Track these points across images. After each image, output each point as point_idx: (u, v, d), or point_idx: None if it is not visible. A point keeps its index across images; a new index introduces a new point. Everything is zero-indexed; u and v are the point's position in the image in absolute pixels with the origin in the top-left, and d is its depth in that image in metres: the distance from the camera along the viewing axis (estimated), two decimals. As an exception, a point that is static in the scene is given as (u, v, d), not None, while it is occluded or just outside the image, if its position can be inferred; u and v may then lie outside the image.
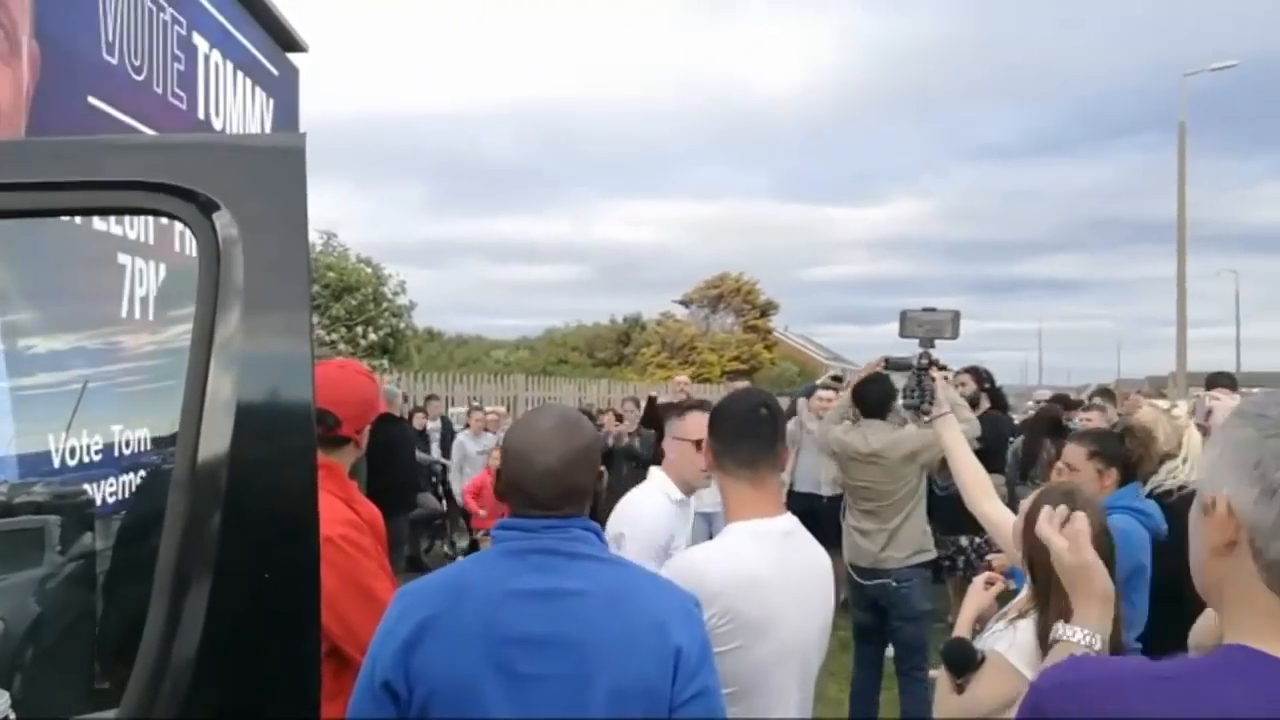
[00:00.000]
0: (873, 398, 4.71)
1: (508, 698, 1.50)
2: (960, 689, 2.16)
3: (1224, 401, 4.33)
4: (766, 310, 36.40)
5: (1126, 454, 3.31)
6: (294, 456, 1.28)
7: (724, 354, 32.53)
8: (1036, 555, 2.09)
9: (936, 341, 2.88)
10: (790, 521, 2.14)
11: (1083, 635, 1.56)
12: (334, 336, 17.86)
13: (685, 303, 36.92)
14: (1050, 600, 2.06)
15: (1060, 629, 1.59)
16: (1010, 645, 2.11)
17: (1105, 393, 7.30)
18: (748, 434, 2.14)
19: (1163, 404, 4.59)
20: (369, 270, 19.66)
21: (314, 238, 19.74)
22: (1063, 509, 1.68)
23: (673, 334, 34.18)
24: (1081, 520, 1.65)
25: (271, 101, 4.79)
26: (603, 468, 8.94)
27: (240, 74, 4.38)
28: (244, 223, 1.26)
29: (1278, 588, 0.95)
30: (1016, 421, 7.93)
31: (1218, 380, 6.01)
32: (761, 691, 2.01)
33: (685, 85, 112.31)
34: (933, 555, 4.78)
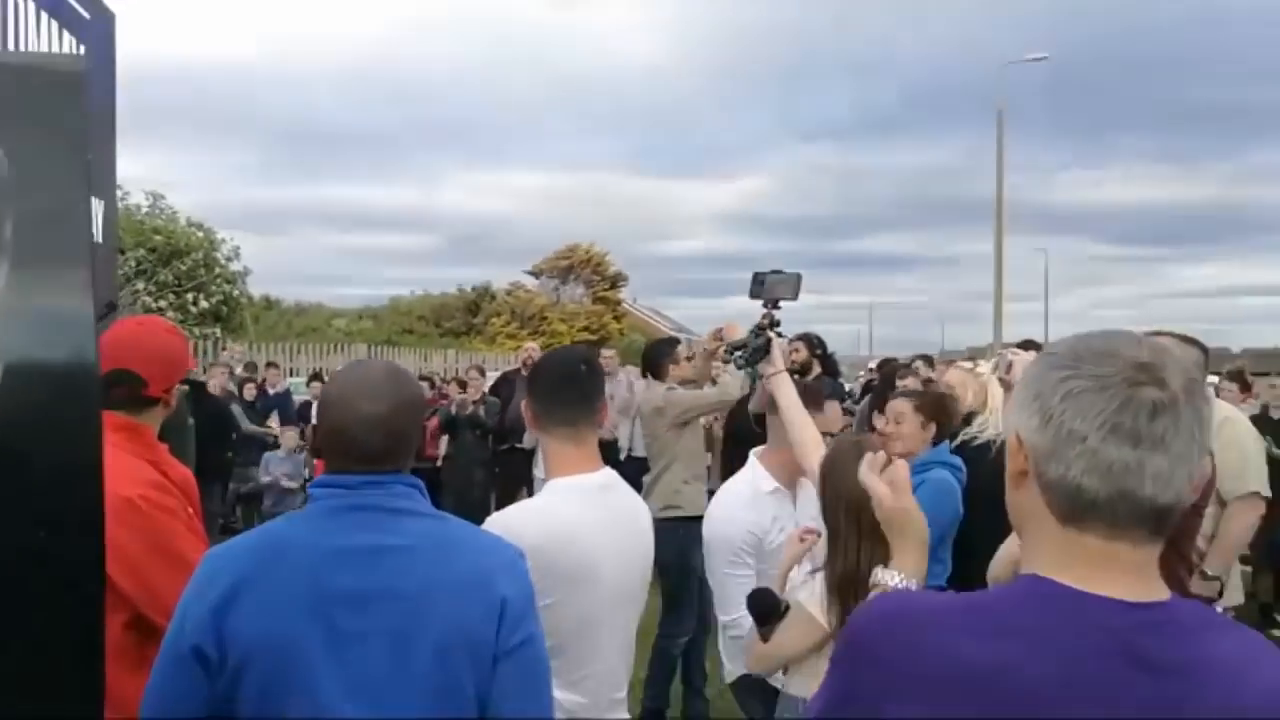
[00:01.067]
0: (648, 358, 5.36)
1: (330, 656, 1.46)
2: (765, 638, 2.26)
3: (1022, 356, 4.67)
4: (616, 282, 36.62)
5: (946, 410, 3.55)
6: (73, 418, 1.20)
7: (574, 324, 32.57)
8: (830, 505, 2.21)
9: (781, 303, 2.98)
10: (608, 476, 2.18)
11: (899, 579, 1.58)
12: (162, 303, 16.87)
13: (535, 273, 36.70)
14: (840, 549, 2.19)
15: (879, 573, 1.62)
16: (811, 595, 2.22)
17: (925, 359, 7.83)
18: (568, 392, 2.16)
19: (968, 365, 4.91)
20: (200, 234, 18.64)
21: (140, 199, 18.52)
22: (882, 455, 1.70)
23: (522, 304, 33.95)
24: (903, 467, 1.66)
25: (83, 48, 4.42)
26: (445, 436, 8.87)
27: (44, 15, 4.03)
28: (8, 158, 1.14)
29: (1056, 509, 1.02)
30: (847, 389, 8.35)
31: (1025, 347, 6.50)
32: (580, 643, 2.04)
33: (536, 54, 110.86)
34: (684, 513, 4.89)
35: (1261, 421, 6.46)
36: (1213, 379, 7.29)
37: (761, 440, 3.34)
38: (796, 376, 5.83)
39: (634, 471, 8.32)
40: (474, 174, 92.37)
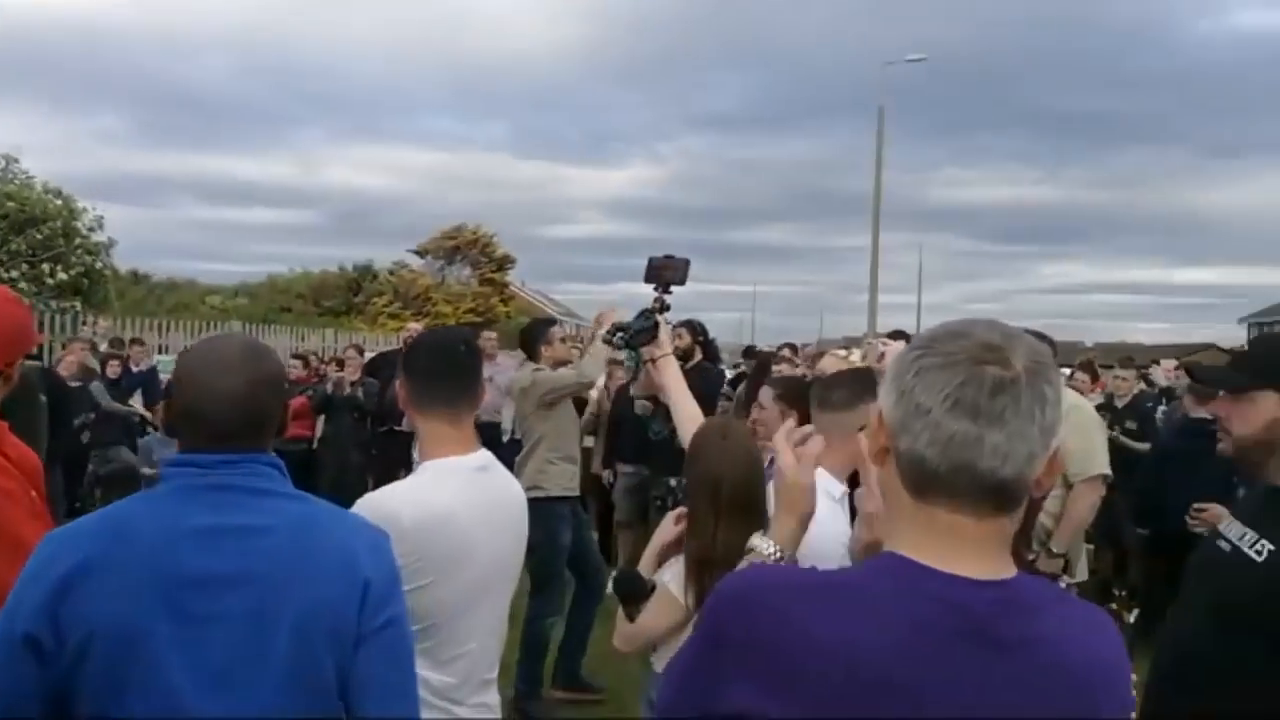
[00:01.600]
0: (523, 339, 5.48)
1: (179, 641, 1.40)
2: (631, 617, 2.30)
3: (893, 345, 4.87)
4: (504, 264, 36.16)
5: (806, 397, 3.65)
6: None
7: (460, 306, 32.03)
8: (691, 484, 2.26)
9: (672, 288, 3.02)
10: (484, 457, 2.17)
11: (774, 549, 1.58)
12: (14, 273, 15.84)
13: (420, 253, 35.90)
14: (698, 528, 2.23)
15: (755, 539, 1.62)
16: (674, 575, 2.26)
17: (791, 347, 8.16)
18: (448, 373, 2.14)
19: (842, 353, 5.10)
20: (59, 202, 17.56)
21: (-11, 162, 17.31)
22: (806, 429, 1.69)
23: (406, 284, 33.18)
24: (816, 444, 1.65)
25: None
26: (321, 417, 8.63)
27: None
28: None
29: (906, 481, 1.05)
30: (728, 375, 8.53)
31: (895, 337, 6.80)
32: (454, 624, 2.04)
33: (430, 31, 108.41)
34: (547, 493, 4.94)
35: (1106, 409, 6.90)
36: (1065, 370, 7.73)
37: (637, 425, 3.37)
38: (679, 363, 5.98)
39: (516, 453, 8.32)
40: (360, 150, 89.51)
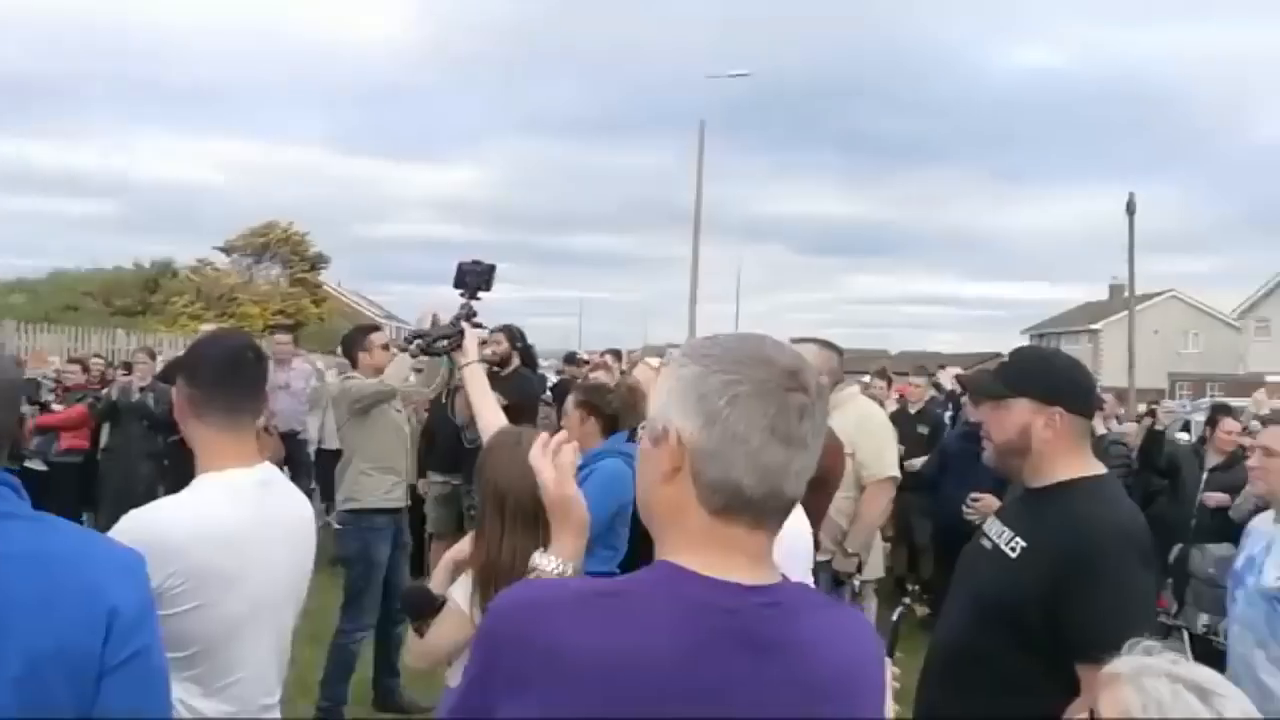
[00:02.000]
0: (344, 346, 5.47)
1: None
2: (420, 633, 2.24)
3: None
4: (317, 263, 34.73)
5: (608, 405, 3.70)
6: None
7: (268, 306, 30.49)
8: (481, 494, 2.24)
9: (480, 294, 3.00)
10: (265, 471, 2.06)
11: (557, 564, 1.58)
12: None
13: (227, 250, 33.95)
14: (485, 539, 2.21)
15: (536, 557, 1.61)
16: (462, 589, 2.22)
17: (615, 353, 8.25)
18: (232, 380, 2.02)
19: (655, 362, 5.21)
20: None
21: None
22: (559, 437, 1.68)
23: (210, 283, 31.27)
24: (569, 453, 1.65)
25: None
26: (106, 425, 7.98)
27: None
28: None
29: (710, 504, 1.07)
30: (551, 382, 8.51)
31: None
32: (228, 649, 1.92)
33: (246, 14, 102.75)
34: (360, 505, 4.90)
35: (899, 416, 7.34)
36: (865, 378, 8.19)
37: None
38: (497, 369, 5.91)
39: (329, 464, 8.01)
40: (165, 138, 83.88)
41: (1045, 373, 2.22)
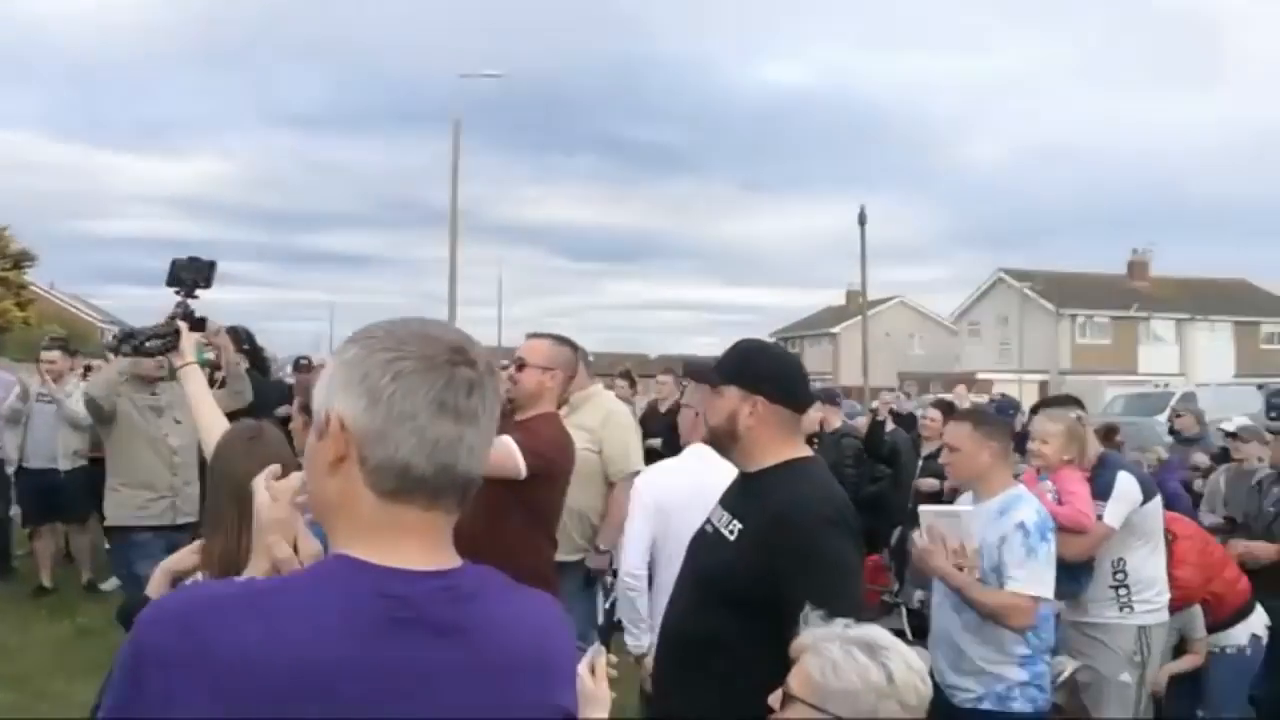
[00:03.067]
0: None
1: None
2: None
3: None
4: (21, 261, 31.14)
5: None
6: None
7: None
8: (214, 485, 2.19)
9: (198, 291, 2.93)
10: None
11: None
12: None
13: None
14: (221, 529, 2.12)
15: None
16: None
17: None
18: None
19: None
20: None
21: None
22: (276, 467, 1.61)
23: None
24: (292, 480, 1.56)
25: None
26: None
27: None
28: None
29: (378, 488, 1.02)
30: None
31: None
32: None
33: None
34: (116, 523, 4.83)
35: (649, 415, 7.54)
36: (621, 381, 8.33)
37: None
38: (214, 369, 5.52)
39: (32, 484, 7.25)
40: None
41: (752, 364, 2.31)
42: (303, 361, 10.38)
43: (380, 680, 0.96)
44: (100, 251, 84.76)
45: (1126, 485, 3.78)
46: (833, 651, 1.59)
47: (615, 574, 5.19)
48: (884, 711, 1.55)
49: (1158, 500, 3.95)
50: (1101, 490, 3.76)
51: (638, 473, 4.65)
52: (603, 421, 4.45)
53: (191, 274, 2.84)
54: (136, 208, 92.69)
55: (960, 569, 3.07)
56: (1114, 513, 3.73)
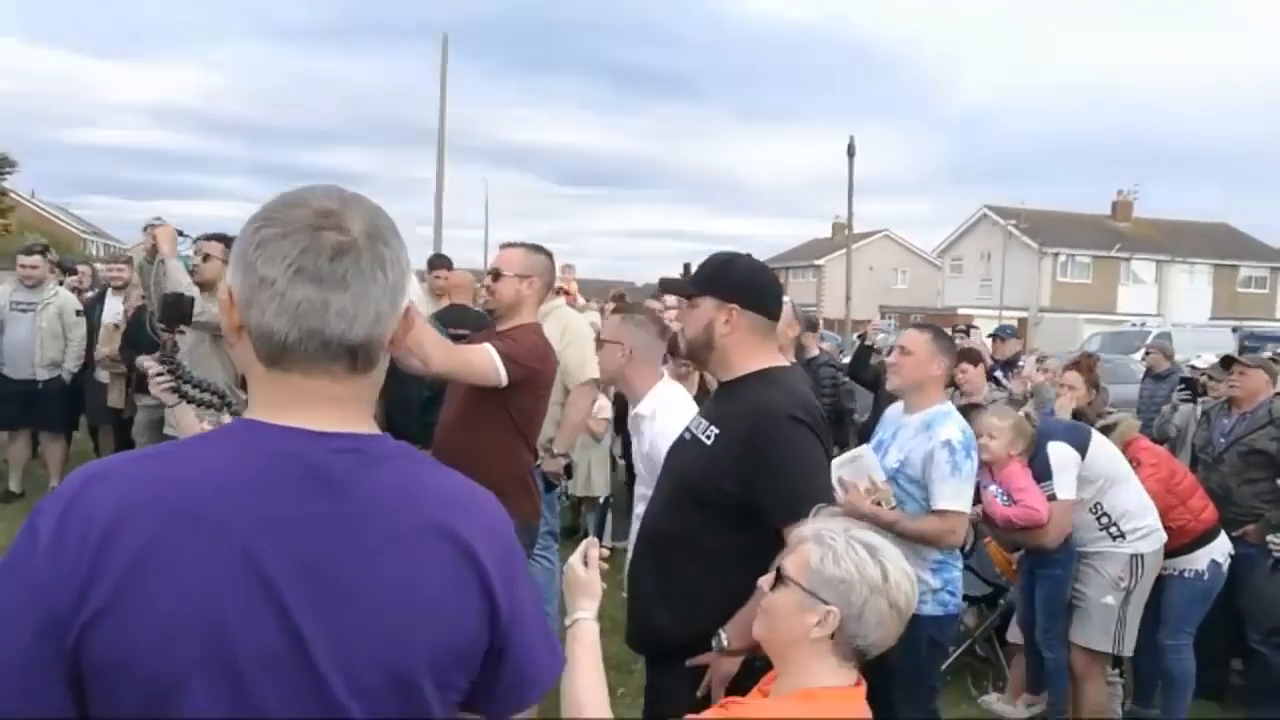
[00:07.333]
0: None
1: None
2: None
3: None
4: (1, 167, 30.44)
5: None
6: None
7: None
8: None
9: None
10: None
11: None
12: None
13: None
14: None
15: None
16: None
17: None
18: None
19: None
20: None
21: None
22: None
23: None
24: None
25: None
26: None
27: None
28: None
29: (260, 354, 1.05)
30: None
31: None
32: None
33: None
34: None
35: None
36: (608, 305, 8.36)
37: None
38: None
39: (9, 391, 7.16)
40: None
41: (726, 274, 2.37)
42: None
43: (275, 520, 0.99)
44: (80, 160, 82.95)
45: (1061, 454, 3.89)
46: (835, 542, 1.67)
47: (570, 476, 5.36)
48: (871, 607, 1.62)
49: (1097, 441, 4.04)
50: (1041, 471, 3.88)
51: (594, 380, 4.74)
52: (561, 333, 4.51)
53: (176, 313, 2.85)
54: (116, 117, 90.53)
55: (878, 504, 3.18)
56: (1064, 484, 3.85)
